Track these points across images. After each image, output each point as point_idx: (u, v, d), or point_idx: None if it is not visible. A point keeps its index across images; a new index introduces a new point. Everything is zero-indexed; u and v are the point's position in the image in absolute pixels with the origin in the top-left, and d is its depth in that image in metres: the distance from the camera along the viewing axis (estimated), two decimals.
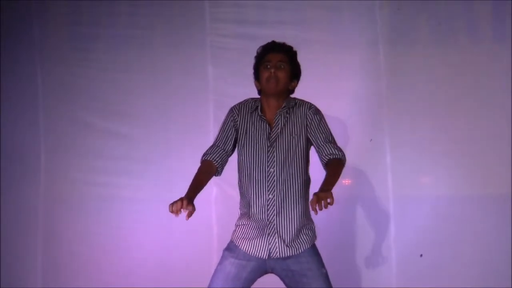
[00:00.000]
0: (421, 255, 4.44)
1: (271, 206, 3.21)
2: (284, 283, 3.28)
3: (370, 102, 4.57)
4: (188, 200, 2.92)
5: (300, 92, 4.02)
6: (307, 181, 3.31)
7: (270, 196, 3.20)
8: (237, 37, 4.67)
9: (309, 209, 3.25)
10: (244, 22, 4.70)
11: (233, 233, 3.33)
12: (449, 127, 4.50)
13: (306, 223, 3.28)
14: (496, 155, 4.44)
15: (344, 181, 4.54)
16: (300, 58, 4.43)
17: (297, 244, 3.22)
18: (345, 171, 4.39)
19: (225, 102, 3.80)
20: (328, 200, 2.79)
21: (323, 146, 3.24)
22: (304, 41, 4.56)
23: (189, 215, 2.92)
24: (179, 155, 4.53)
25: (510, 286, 4.30)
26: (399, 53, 4.59)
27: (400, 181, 4.51)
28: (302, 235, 3.24)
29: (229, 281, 3.21)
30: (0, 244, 4.78)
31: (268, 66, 3.30)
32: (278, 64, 3.30)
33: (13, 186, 4.82)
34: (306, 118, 3.30)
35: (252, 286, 3.43)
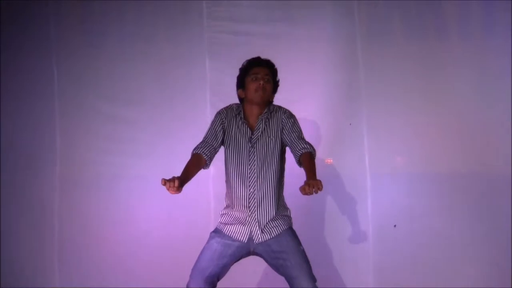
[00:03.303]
0: (394, 226, 4.69)
1: (252, 199, 3.50)
2: (266, 261, 3.57)
3: (349, 90, 4.79)
4: (179, 183, 3.19)
5: (288, 82, 4.35)
6: (281, 176, 3.61)
7: (251, 190, 3.49)
8: (232, 34, 4.88)
9: (284, 198, 3.63)
10: (238, 20, 4.90)
11: (219, 219, 3.61)
12: (421, 111, 4.73)
13: (283, 210, 3.59)
14: (463, 135, 4.69)
15: (326, 160, 4.77)
16: (288, 52, 4.69)
17: (274, 228, 3.51)
18: (327, 151, 4.70)
19: (220, 91, 3.98)
20: (319, 186, 3.12)
21: (296, 142, 3.51)
22: (292, 37, 4.84)
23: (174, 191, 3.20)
24: (180, 137, 4.69)
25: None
26: (375, 47, 4.80)
27: (376, 160, 4.76)
28: (279, 220, 3.54)
29: (215, 257, 3.48)
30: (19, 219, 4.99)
31: (257, 78, 3.56)
32: (265, 78, 3.58)
33: (31, 167, 5.03)
34: (282, 121, 3.57)
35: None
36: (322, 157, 4.74)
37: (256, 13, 4.91)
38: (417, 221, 4.73)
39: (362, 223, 4.77)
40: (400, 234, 4.72)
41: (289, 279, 3.48)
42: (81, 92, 5.06)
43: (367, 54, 4.81)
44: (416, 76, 4.76)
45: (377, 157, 4.78)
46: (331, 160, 4.83)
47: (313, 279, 3.45)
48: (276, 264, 3.51)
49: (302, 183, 3.20)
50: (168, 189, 3.18)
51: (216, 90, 4.78)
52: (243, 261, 3.63)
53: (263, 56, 3.68)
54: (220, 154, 3.65)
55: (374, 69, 4.80)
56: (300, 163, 3.50)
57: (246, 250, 3.54)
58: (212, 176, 4.72)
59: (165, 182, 3.16)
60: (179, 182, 3.20)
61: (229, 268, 3.55)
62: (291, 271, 3.45)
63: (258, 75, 3.58)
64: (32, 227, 5.03)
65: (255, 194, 3.50)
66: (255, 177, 3.51)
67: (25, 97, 5.06)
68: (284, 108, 3.66)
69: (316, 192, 3.14)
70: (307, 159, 3.44)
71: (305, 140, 3.55)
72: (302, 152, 3.48)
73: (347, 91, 4.81)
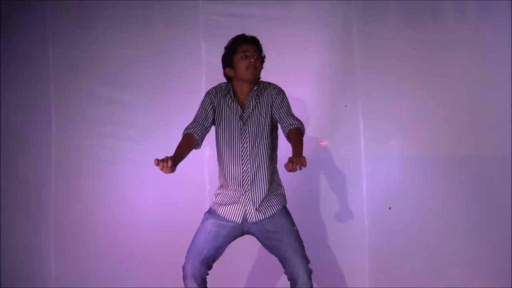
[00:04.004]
0: (389, 208, 4.72)
1: (246, 177, 3.50)
2: (260, 241, 3.58)
3: (345, 74, 4.79)
4: (172, 162, 3.17)
5: (284, 65, 4.37)
6: (274, 153, 3.62)
7: (244, 168, 3.50)
8: (227, 16, 4.86)
9: (278, 175, 3.63)
10: (233, 2, 4.89)
11: (213, 200, 3.62)
12: (416, 94, 4.75)
13: (277, 188, 3.60)
14: (459, 118, 4.72)
15: (321, 143, 4.81)
16: (284, 35, 4.69)
17: (269, 208, 3.53)
18: (322, 133, 4.73)
19: (216, 74, 3.95)
20: (302, 163, 3.12)
21: (285, 118, 3.51)
22: (288, 20, 4.85)
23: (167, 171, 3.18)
24: (176, 122, 4.30)
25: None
26: (371, 31, 4.81)
27: (372, 143, 4.78)
28: (273, 199, 3.55)
29: (210, 239, 3.50)
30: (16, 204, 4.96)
31: (247, 56, 3.54)
32: (254, 55, 3.55)
33: (27, 151, 5.01)
34: (271, 97, 3.57)
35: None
36: (317, 140, 4.79)
37: None
38: (412, 203, 4.76)
39: (357, 205, 4.79)
40: (395, 216, 4.75)
41: (282, 260, 3.50)
42: (77, 77, 5.04)
43: (363, 37, 4.81)
44: (412, 59, 4.77)
45: (372, 139, 4.80)
46: (326, 143, 4.86)
47: (306, 260, 3.47)
48: (270, 245, 3.53)
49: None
50: (161, 169, 3.16)
51: (211, 73, 4.68)
52: (237, 245, 3.66)
53: (257, 37, 3.67)
54: (212, 134, 3.66)
55: (370, 53, 4.81)
56: (289, 139, 3.50)
57: (240, 230, 3.56)
58: (207, 158, 4.73)
59: (158, 162, 3.15)
60: (172, 161, 3.19)
61: (224, 249, 3.57)
62: (284, 252, 3.48)
63: (248, 53, 3.56)
64: (28, 213, 5.02)
65: (248, 172, 3.51)
66: (247, 155, 3.52)
67: (21, 82, 5.04)
68: (273, 84, 3.66)
69: (300, 169, 3.14)
70: (295, 135, 3.45)
71: (294, 116, 3.56)
72: (291, 128, 3.49)
73: (342, 75, 4.82)
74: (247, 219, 3.51)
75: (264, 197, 3.52)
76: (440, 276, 4.68)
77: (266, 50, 3.68)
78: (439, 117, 4.74)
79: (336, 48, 4.82)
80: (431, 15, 4.80)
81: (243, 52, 3.56)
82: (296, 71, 4.71)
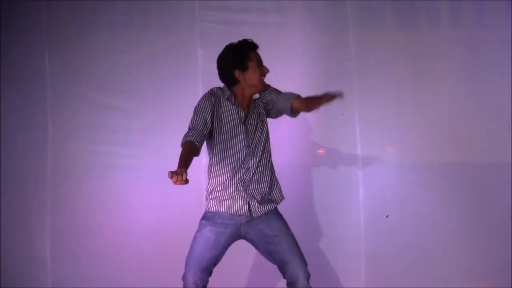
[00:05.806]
0: (387, 216, 4.72)
1: (247, 176, 3.46)
2: (257, 247, 3.56)
3: (341, 81, 4.73)
4: (186, 174, 3.03)
5: (280, 72, 4.30)
6: (270, 150, 3.58)
7: (245, 168, 3.46)
8: (223, 23, 4.87)
9: (274, 170, 3.61)
10: (229, 9, 4.90)
11: (207, 206, 3.55)
12: (412, 102, 4.76)
13: (275, 182, 3.60)
14: (454, 126, 4.73)
15: (318, 151, 4.82)
16: (280, 42, 4.70)
17: (269, 202, 3.53)
18: (318, 141, 4.74)
19: (212, 80, 4.03)
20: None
21: (280, 96, 3.53)
22: (284, 26, 4.85)
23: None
24: (173, 127, 4.53)
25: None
26: (367, 37, 4.81)
27: (368, 150, 4.77)
28: (274, 193, 3.56)
29: (210, 246, 3.46)
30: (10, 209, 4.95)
31: (261, 64, 3.51)
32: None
33: (23, 157, 5.00)
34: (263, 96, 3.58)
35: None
36: (314, 148, 4.80)
37: (247, 3, 4.92)
38: (409, 210, 4.77)
39: (354, 212, 4.79)
40: (391, 222, 4.76)
41: (282, 264, 3.49)
42: (73, 82, 5.03)
43: (359, 44, 4.81)
44: (409, 65, 4.78)
45: (369, 147, 4.80)
46: (322, 151, 4.86)
47: (305, 263, 3.48)
48: (268, 249, 3.51)
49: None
50: (175, 182, 3.02)
51: (208, 80, 4.68)
52: (236, 246, 3.67)
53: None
54: None
55: (366, 60, 4.81)
56: (292, 108, 3.49)
57: (238, 235, 3.54)
58: (204, 166, 4.61)
59: (172, 175, 3.00)
60: (186, 174, 3.07)
61: (223, 256, 3.55)
62: (283, 255, 3.47)
63: (261, 61, 3.53)
64: (23, 218, 5.02)
65: (249, 170, 3.49)
66: (251, 155, 3.48)
67: (17, 87, 5.03)
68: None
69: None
70: (304, 97, 3.48)
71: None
72: (291, 97, 3.49)
73: (339, 82, 4.73)
74: (251, 213, 3.48)
75: (265, 191, 3.51)
76: (437, 282, 4.69)
77: (262, 57, 3.64)
78: (436, 123, 4.75)
79: (332, 54, 4.83)
80: (427, 20, 4.81)
81: (257, 60, 3.52)
82: (292, 78, 4.67)
